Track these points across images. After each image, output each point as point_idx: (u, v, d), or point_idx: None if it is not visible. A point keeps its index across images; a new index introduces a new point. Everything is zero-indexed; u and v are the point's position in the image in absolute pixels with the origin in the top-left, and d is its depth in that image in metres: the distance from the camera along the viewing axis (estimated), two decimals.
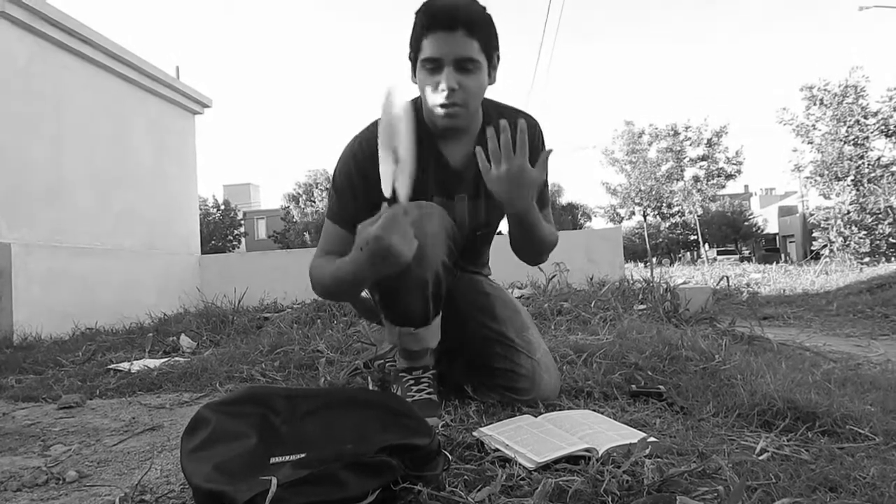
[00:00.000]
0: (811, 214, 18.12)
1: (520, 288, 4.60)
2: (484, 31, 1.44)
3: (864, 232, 13.73)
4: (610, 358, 1.91)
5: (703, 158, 25.53)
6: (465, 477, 1.05)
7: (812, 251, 16.13)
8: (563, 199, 43.35)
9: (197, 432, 1.06)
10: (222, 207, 32.76)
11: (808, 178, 17.87)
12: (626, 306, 3.37)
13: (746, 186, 54.27)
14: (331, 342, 2.62)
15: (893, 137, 16.29)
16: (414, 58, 1.49)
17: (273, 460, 0.98)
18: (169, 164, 6.55)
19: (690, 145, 25.52)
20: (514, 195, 1.40)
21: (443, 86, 1.42)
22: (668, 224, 34.66)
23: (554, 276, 4.46)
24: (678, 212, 27.83)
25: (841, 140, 16.48)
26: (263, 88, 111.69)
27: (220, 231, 31.67)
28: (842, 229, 14.04)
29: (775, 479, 0.99)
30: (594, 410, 1.45)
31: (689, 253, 43.64)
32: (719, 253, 36.97)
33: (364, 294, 1.67)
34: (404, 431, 1.02)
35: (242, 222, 34.43)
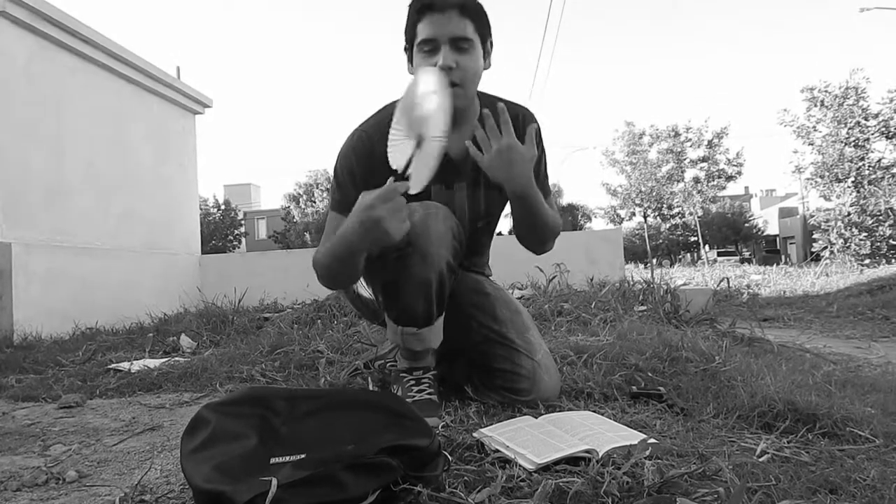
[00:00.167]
0: (811, 216, 18.13)
1: (520, 289, 4.60)
2: (476, 13, 1.49)
3: (865, 234, 13.71)
4: (610, 359, 1.91)
5: (704, 160, 25.49)
6: (465, 478, 1.05)
7: (812, 253, 16.12)
8: (564, 200, 43.32)
9: (197, 433, 1.06)
10: (223, 207, 32.76)
11: (808, 179, 17.86)
12: (626, 307, 3.37)
13: (747, 188, 54.30)
14: (331, 342, 2.62)
15: (894, 139, 16.27)
16: (409, 46, 1.53)
17: (273, 461, 0.98)
18: (169, 164, 6.55)
19: (691, 146, 25.49)
20: (510, 173, 1.43)
21: (441, 63, 1.43)
22: (668, 225, 34.62)
23: (554, 277, 4.46)
24: (678, 213, 27.80)
25: (842, 142, 16.47)
26: (264, 88, 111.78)
27: (220, 231, 31.67)
28: (842, 231, 14.02)
29: (775, 481, 0.99)
30: (594, 411, 1.45)
31: (689, 254, 43.64)
32: (719, 254, 36.96)
33: (366, 294, 1.67)
34: (404, 432, 1.02)
35: (243, 222, 34.42)
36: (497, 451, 1.15)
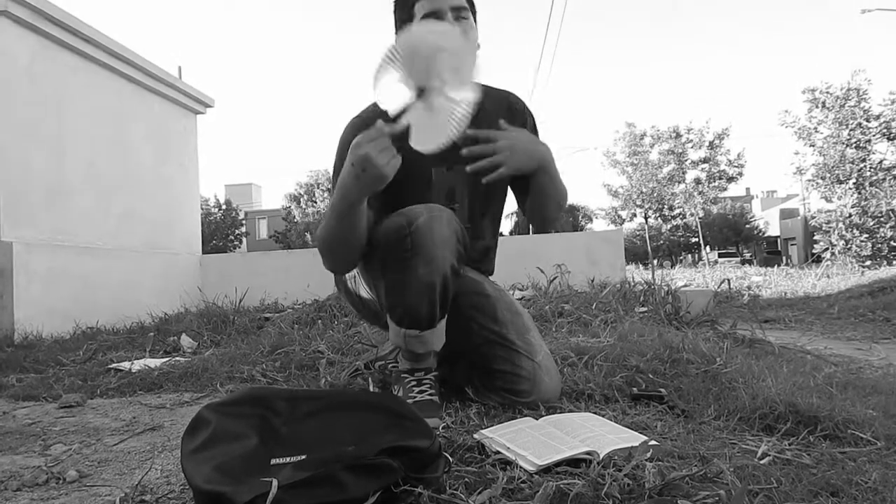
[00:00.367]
0: (813, 217, 18.11)
1: (521, 290, 4.60)
2: None
3: (866, 235, 13.71)
4: (611, 360, 1.91)
5: (705, 161, 25.53)
6: (466, 479, 1.04)
7: (813, 254, 16.11)
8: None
9: (197, 433, 1.06)
10: (224, 207, 32.79)
11: (809, 180, 17.87)
12: (627, 309, 3.37)
13: (748, 189, 54.31)
14: (332, 343, 2.62)
15: (895, 141, 16.27)
16: (406, 22, 1.57)
17: (274, 462, 0.97)
18: (170, 164, 6.56)
19: (692, 147, 25.53)
20: (528, 157, 1.51)
21: (448, 20, 1.50)
22: (669, 226, 34.66)
23: (555, 278, 4.46)
24: (679, 214, 27.83)
25: (843, 143, 16.47)
26: (265, 88, 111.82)
27: (221, 231, 31.70)
28: (843, 232, 14.01)
29: (777, 484, 0.99)
30: (595, 413, 1.45)
31: (690, 255, 43.63)
32: (720, 255, 36.96)
33: (367, 295, 1.66)
34: (405, 433, 1.02)
35: (244, 222, 34.46)
36: (498, 452, 1.15)
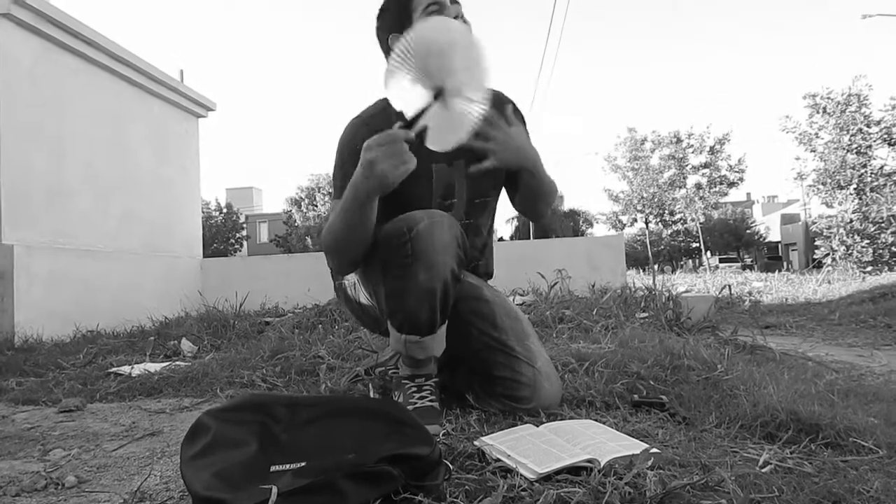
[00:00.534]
0: (814, 223, 18.08)
1: (521, 295, 4.59)
2: None
3: (867, 241, 13.69)
4: (612, 367, 1.91)
5: (706, 166, 25.54)
6: (466, 487, 1.04)
7: (814, 260, 16.10)
8: (566, 206, 43.31)
9: (197, 439, 1.06)
10: (225, 211, 32.82)
11: (810, 186, 17.88)
12: (627, 314, 3.37)
13: (749, 194, 54.34)
14: (332, 348, 2.62)
15: None
16: (403, 17, 1.59)
17: (273, 468, 0.97)
18: (171, 167, 6.56)
19: (693, 153, 25.54)
20: (520, 156, 1.58)
21: (455, 11, 1.57)
22: (670, 231, 34.68)
23: (556, 284, 4.46)
24: (680, 219, 27.83)
25: (844, 149, 16.48)
26: (267, 92, 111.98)
27: (222, 234, 31.73)
28: (844, 238, 14.00)
29: (778, 493, 0.98)
30: (596, 420, 1.45)
31: (690, 260, 43.61)
32: (721, 261, 36.96)
33: (367, 301, 1.66)
34: (405, 440, 1.02)
35: (244, 226, 34.48)
36: (498, 460, 1.14)
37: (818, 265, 15.19)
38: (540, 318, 3.22)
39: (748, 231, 41.91)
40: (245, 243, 34.29)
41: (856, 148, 16.38)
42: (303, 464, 0.97)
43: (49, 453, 1.48)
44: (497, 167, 1.57)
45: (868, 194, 15.59)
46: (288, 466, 0.97)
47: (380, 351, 2.10)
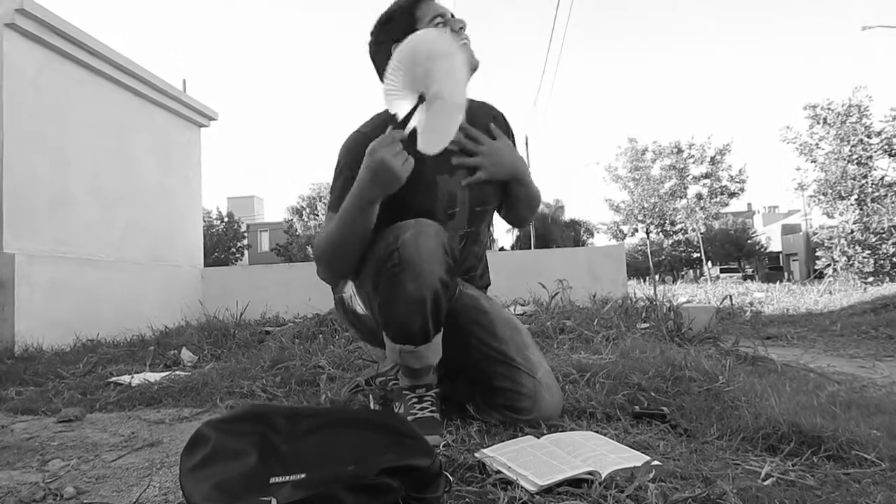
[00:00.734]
0: (815, 233, 18.07)
1: (522, 305, 4.59)
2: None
3: (868, 251, 13.70)
4: (613, 378, 1.90)
5: (707, 176, 25.54)
6: (467, 499, 1.04)
7: (816, 270, 16.09)
8: (566, 216, 43.36)
9: (196, 450, 1.05)
10: (226, 220, 32.86)
11: (811, 196, 17.86)
12: (628, 325, 3.36)
13: (749, 204, 54.37)
14: (332, 358, 2.61)
15: None
16: (408, 26, 1.63)
17: (273, 480, 0.97)
18: (174, 177, 6.58)
19: (694, 163, 25.56)
20: (508, 168, 1.69)
21: (459, 24, 1.63)
22: (671, 241, 34.65)
23: (557, 294, 4.45)
24: (681, 229, 27.79)
25: (844, 159, 16.47)
26: (268, 101, 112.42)
27: (223, 243, 31.74)
28: (845, 248, 14.00)
29: None
30: (597, 432, 1.44)
31: (691, 271, 43.57)
32: (722, 271, 36.93)
33: (360, 311, 1.66)
34: (405, 452, 1.01)
35: (246, 235, 34.50)
36: (499, 472, 1.14)
37: (819, 276, 15.19)
38: (541, 329, 3.22)
39: (749, 241, 41.88)
40: (246, 252, 34.30)
41: (856, 159, 16.37)
42: (302, 475, 0.96)
43: (48, 464, 1.47)
44: (489, 178, 1.67)
45: (869, 205, 15.57)
46: (287, 478, 0.96)
47: (380, 361, 2.10)
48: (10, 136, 4.42)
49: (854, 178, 16.26)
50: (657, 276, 34.59)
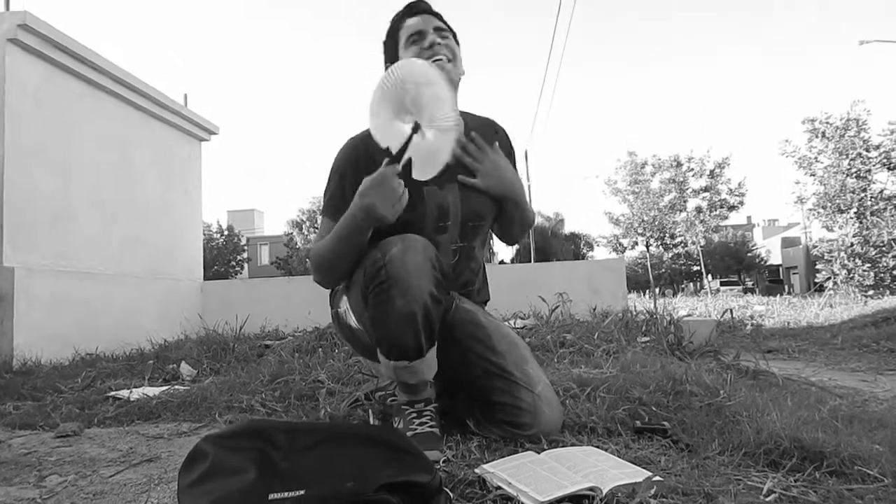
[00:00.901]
0: (815, 246, 18.07)
1: (522, 318, 4.58)
2: (446, 21, 1.76)
3: (868, 264, 13.69)
4: (613, 392, 1.89)
5: (706, 189, 25.59)
6: None
7: (816, 283, 16.07)
8: (566, 229, 43.39)
9: (195, 466, 1.05)
10: (226, 233, 32.90)
11: (811, 210, 17.89)
12: (629, 338, 3.35)
13: (749, 217, 54.44)
14: (332, 372, 2.60)
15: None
16: (391, 48, 1.75)
17: (272, 497, 0.96)
18: (175, 190, 6.59)
19: (693, 176, 25.62)
20: (503, 184, 1.71)
21: (430, 40, 1.66)
22: (670, 254, 34.61)
23: (557, 307, 4.45)
24: (681, 242, 27.79)
25: (843, 173, 16.51)
26: (268, 115, 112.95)
27: (223, 257, 31.76)
28: (846, 262, 14.00)
29: None
30: (598, 447, 1.43)
31: (691, 284, 43.55)
32: (722, 284, 36.90)
33: (354, 325, 1.65)
34: (405, 467, 1.01)
35: (246, 248, 34.51)
36: (499, 487, 1.13)
37: (820, 289, 15.17)
38: (541, 342, 3.21)
39: (749, 254, 41.91)
40: (246, 266, 34.30)
41: (855, 172, 16.42)
42: (301, 491, 0.96)
43: (45, 479, 1.46)
44: (483, 189, 1.69)
45: (868, 218, 15.59)
46: (287, 494, 0.96)
47: (379, 376, 2.09)
48: (12, 150, 4.43)
49: (853, 192, 16.30)
50: (657, 290, 34.57)
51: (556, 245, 39.65)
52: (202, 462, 1.05)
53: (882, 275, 13.53)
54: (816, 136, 17.14)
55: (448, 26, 1.77)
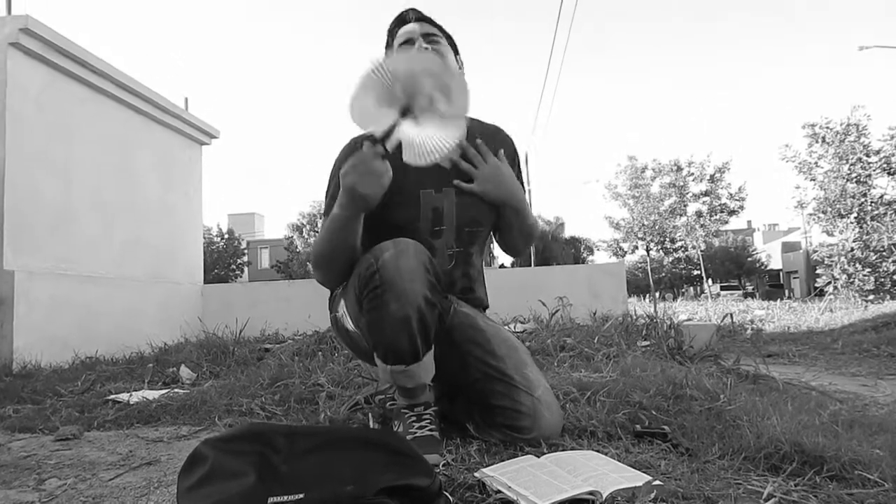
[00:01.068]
0: (815, 251, 18.08)
1: (523, 322, 4.58)
2: (441, 28, 1.77)
3: (869, 269, 13.67)
4: (613, 396, 1.89)
5: (706, 194, 25.62)
6: None
7: (816, 288, 16.06)
8: (567, 233, 43.42)
9: (194, 469, 1.05)
10: (226, 236, 32.92)
11: (811, 215, 17.91)
12: (629, 342, 3.35)
13: (749, 222, 54.54)
14: (332, 376, 2.60)
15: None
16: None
17: (271, 500, 0.96)
18: (175, 194, 6.60)
19: (693, 181, 25.65)
20: (502, 191, 1.70)
21: (417, 46, 1.67)
22: (671, 259, 34.63)
23: (557, 311, 4.44)
24: (681, 247, 27.80)
25: (843, 178, 16.54)
26: (269, 118, 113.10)
27: (223, 260, 31.79)
28: (846, 266, 13.98)
29: None
30: (598, 451, 1.43)
31: (692, 288, 43.54)
32: (723, 288, 36.88)
33: (352, 329, 1.65)
34: (405, 471, 1.00)
35: (246, 251, 34.54)
36: (499, 491, 1.13)
37: (820, 293, 15.15)
38: (541, 346, 3.21)
39: (749, 259, 41.94)
40: (246, 269, 34.33)
41: (855, 177, 16.44)
42: (301, 495, 0.96)
43: (45, 482, 1.46)
44: (479, 194, 1.68)
45: (869, 223, 15.60)
46: (286, 498, 0.95)
47: (379, 379, 2.09)
48: (13, 153, 4.44)
49: (853, 197, 16.32)
50: (657, 294, 34.55)
51: (557, 249, 39.67)
52: (202, 465, 1.05)
53: (882, 279, 13.51)
54: (817, 141, 17.17)
55: (442, 31, 1.77)
